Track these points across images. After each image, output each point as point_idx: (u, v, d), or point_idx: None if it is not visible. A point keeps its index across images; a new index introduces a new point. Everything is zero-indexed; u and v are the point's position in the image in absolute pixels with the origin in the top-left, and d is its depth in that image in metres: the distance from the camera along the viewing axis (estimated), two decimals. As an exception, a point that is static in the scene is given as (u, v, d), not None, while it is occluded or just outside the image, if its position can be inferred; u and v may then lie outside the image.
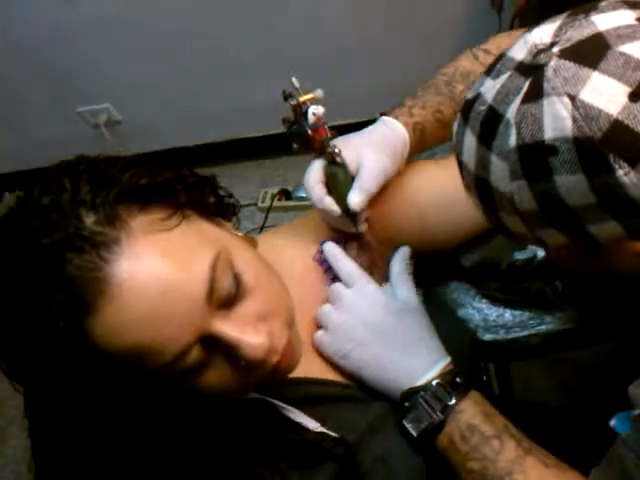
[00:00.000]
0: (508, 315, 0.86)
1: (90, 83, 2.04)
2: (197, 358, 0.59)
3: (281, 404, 0.71)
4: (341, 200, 0.76)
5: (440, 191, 0.83)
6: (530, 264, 0.81)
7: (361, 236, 0.81)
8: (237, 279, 0.61)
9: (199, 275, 0.57)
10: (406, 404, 0.71)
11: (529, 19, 0.88)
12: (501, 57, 0.53)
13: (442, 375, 0.71)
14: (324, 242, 0.81)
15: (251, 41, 1.91)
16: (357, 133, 0.80)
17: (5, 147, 2.33)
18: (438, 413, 0.70)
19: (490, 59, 0.78)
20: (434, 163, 0.87)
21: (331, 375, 0.77)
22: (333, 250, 0.80)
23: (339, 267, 0.79)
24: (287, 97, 0.75)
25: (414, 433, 0.71)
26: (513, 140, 0.48)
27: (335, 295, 0.77)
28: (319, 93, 0.76)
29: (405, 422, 0.71)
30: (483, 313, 0.88)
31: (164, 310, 0.56)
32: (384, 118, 0.81)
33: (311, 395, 0.74)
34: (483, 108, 0.51)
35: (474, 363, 0.91)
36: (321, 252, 0.81)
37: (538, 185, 0.48)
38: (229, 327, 0.60)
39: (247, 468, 0.69)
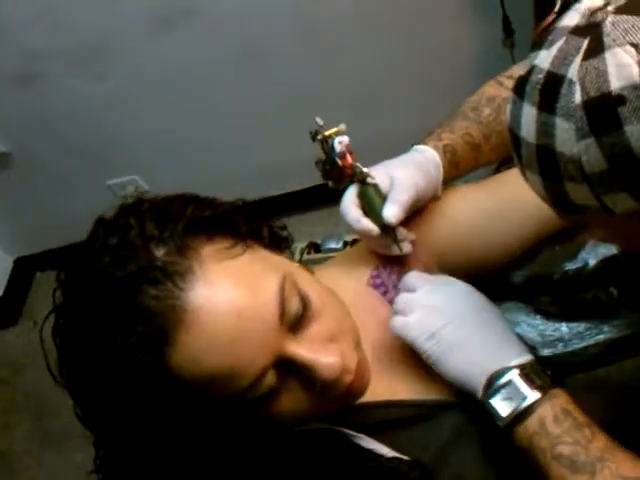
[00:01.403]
0: (565, 328, 0.86)
1: (118, 156, 2.11)
2: (272, 383, 0.60)
3: (351, 432, 0.72)
4: (377, 218, 0.77)
5: (482, 213, 0.85)
6: (582, 273, 0.82)
7: (409, 261, 0.83)
8: (304, 301, 0.63)
9: (270, 297, 0.60)
10: (498, 382, 0.69)
11: None
12: (551, 30, 0.52)
13: (534, 362, 0.71)
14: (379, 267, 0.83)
15: (268, 107, 1.98)
16: (390, 161, 0.83)
17: (36, 227, 2.40)
18: (535, 390, 0.68)
19: None
20: (472, 186, 0.89)
21: (398, 394, 0.77)
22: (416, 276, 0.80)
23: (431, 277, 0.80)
24: (314, 136, 0.80)
25: (503, 414, 0.68)
26: (578, 97, 0.47)
27: (406, 299, 0.76)
28: (342, 126, 0.81)
29: (493, 402, 0.69)
30: (539, 329, 0.88)
31: (240, 334, 0.57)
32: (416, 147, 0.84)
33: (380, 420, 0.74)
34: (541, 76, 0.50)
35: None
36: (375, 277, 0.83)
37: (608, 139, 0.46)
38: (303, 349, 0.61)
39: None
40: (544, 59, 0.51)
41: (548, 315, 0.88)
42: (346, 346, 0.66)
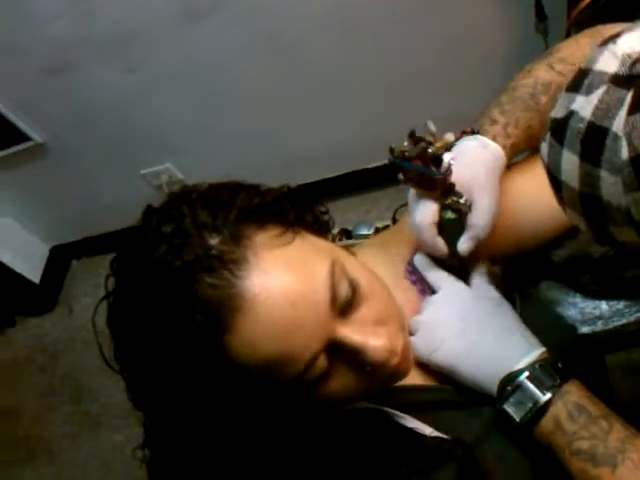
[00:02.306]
0: (604, 306, 0.87)
1: (151, 145, 2.14)
2: (323, 367, 0.62)
3: (395, 412, 0.73)
4: (451, 244, 0.77)
5: (523, 193, 0.85)
6: (622, 252, 0.83)
7: None
8: (352, 285, 0.64)
9: (321, 283, 0.61)
10: (508, 388, 0.70)
11: (586, 27, 0.91)
12: (586, 72, 0.51)
13: (543, 359, 0.71)
14: (413, 257, 0.83)
15: (298, 95, 1.99)
16: (469, 161, 0.78)
17: (71, 216, 2.45)
18: (545, 391, 0.69)
19: (567, 68, 0.80)
20: (516, 170, 0.88)
21: (430, 381, 0.78)
22: (422, 261, 0.82)
23: (428, 276, 0.81)
24: (418, 141, 0.74)
25: (517, 418, 0.69)
26: (625, 153, 0.46)
27: (425, 303, 0.79)
28: (450, 137, 0.78)
29: (506, 407, 0.70)
30: (579, 307, 0.89)
31: (295, 320, 0.59)
32: (485, 141, 0.80)
33: (418, 402, 0.76)
34: (582, 126, 0.49)
35: (577, 360, 0.92)
36: (411, 272, 0.83)
37: None
38: (352, 332, 0.63)
39: (371, 478, 0.70)
40: (584, 107, 0.50)
41: (588, 293, 0.89)
42: (393, 329, 0.67)
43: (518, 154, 0.85)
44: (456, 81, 1.89)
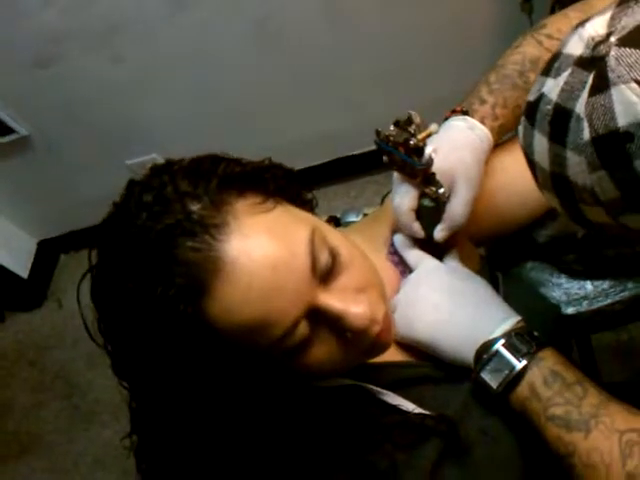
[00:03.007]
0: (589, 286, 0.87)
1: (137, 136, 2.12)
2: (304, 333, 0.62)
3: (377, 389, 0.73)
4: (428, 229, 0.79)
5: (504, 173, 0.84)
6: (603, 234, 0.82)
7: None
8: (332, 253, 0.64)
9: (301, 249, 0.61)
10: (484, 356, 0.70)
11: (569, 4, 0.90)
12: (557, 56, 0.53)
13: (519, 328, 0.71)
14: (393, 236, 0.83)
15: (285, 84, 1.97)
16: (455, 145, 0.79)
17: (58, 209, 2.43)
18: (520, 358, 0.69)
19: (554, 43, 0.80)
20: (503, 149, 0.87)
21: (411, 359, 0.79)
22: (401, 241, 0.82)
23: (406, 256, 0.81)
24: (402, 128, 0.75)
25: (493, 385, 0.69)
26: (587, 134, 0.48)
27: (403, 282, 0.80)
28: (434, 127, 0.78)
29: (483, 375, 0.70)
30: (564, 287, 0.89)
31: (275, 284, 0.59)
32: (473, 122, 0.80)
33: (400, 378, 0.76)
34: (549, 107, 0.51)
35: (560, 340, 0.92)
36: (393, 253, 0.83)
37: (618, 173, 0.48)
38: (333, 299, 0.63)
39: (355, 455, 0.70)
40: (552, 89, 0.52)
41: (572, 273, 0.89)
42: (374, 297, 0.67)
43: (507, 133, 0.85)
44: (442, 65, 1.89)
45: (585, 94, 0.49)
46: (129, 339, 0.63)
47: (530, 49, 0.84)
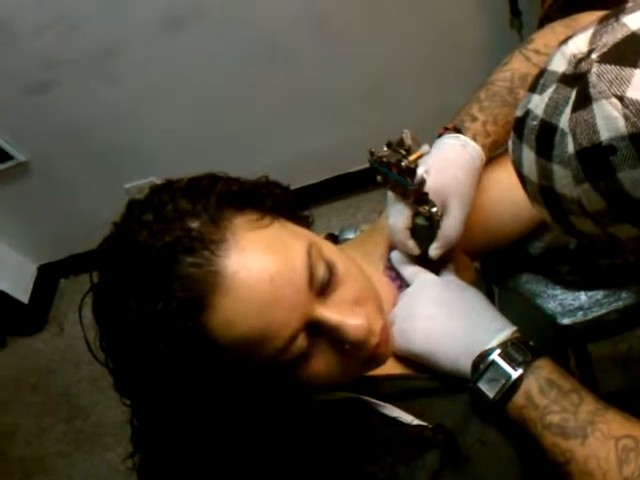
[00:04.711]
0: (584, 296, 0.88)
1: (135, 159, 2.13)
2: (303, 346, 0.64)
3: (376, 401, 0.74)
4: (422, 246, 0.80)
5: (497, 186, 0.86)
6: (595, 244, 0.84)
7: None
8: (329, 266, 0.66)
9: (298, 262, 0.63)
10: (480, 366, 0.71)
11: (557, 20, 0.92)
12: (542, 73, 0.55)
13: (514, 337, 0.72)
14: (390, 253, 0.84)
15: (281, 105, 2.00)
16: (447, 164, 0.80)
17: (57, 234, 2.43)
18: (516, 367, 0.69)
19: (542, 59, 0.81)
20: (495, 163, 0.88)
21: (410, 370, 0.79)
22: (397, 257, 0.83)
23: (402, 271, 0.83)
24: (395, 150, 0.76)
25: (490, 395, 0.70)
26: (571, 147, 0.50)
27: (400, 296, 0.81)
28: (426, 149, 0.79)
29: (480, 385, 0.71)
30: (558, 299, 0.90)
31: (273, 297, 0.60)
32: (465, 140, 0.81)
33: (399, 391, 0.77)
34: (535, 123, 0.53)
35: (557, 350, 0.92)
36: (390, 268, 0.84)
37: (603, 185, 0.49)
38: (330, 312, 0.65)
39: (354, 467, 0.71)
40: (537, 105, 0.54)
41: (567, 284, 0.90)
42: (371, 310, 0.69)
43: (499, 149, 0.86)
44: (437, 83, 1.91)
45: (569, 109, 0.50)
46: (131, 354, 0.64)
47: (518, 65, 0.86)
